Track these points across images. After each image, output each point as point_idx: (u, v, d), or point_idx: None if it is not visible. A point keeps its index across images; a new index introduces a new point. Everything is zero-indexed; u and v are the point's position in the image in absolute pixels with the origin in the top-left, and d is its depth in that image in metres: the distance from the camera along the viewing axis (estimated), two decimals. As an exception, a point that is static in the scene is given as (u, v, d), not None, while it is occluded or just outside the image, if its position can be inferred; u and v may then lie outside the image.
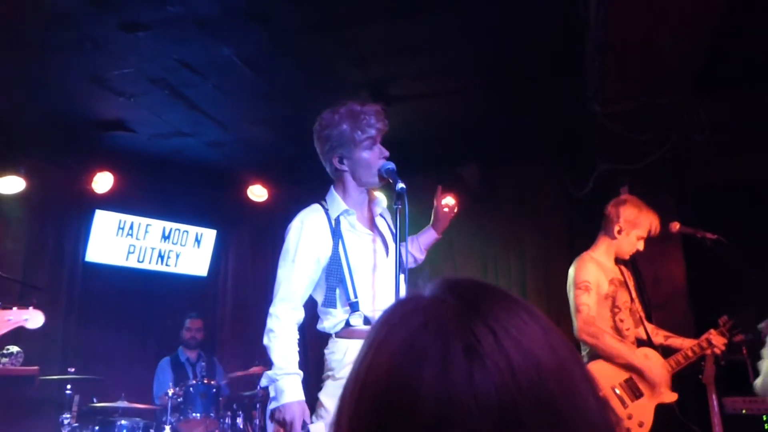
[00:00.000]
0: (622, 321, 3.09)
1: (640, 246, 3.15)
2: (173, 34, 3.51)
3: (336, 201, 2.38)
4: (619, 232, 3.13)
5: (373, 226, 2.44)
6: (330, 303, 2.30)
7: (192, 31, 3.45)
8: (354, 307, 2.27)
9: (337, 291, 2.29)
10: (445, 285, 0.60)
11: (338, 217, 2.35)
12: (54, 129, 4.78)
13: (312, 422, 2.20)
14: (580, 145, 4.66)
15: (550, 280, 5.04)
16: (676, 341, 3.17)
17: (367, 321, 2.28)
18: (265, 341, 2.25)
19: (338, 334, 2.30)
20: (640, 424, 2.90)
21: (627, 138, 3.73)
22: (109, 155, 5.17)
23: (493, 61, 3.83)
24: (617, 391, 2.92)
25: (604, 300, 3.07)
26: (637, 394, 2.94)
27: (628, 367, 2.95)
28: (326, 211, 2.37)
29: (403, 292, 2.19)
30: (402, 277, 2.20)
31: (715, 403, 3.20)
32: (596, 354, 2.98)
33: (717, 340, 3.07)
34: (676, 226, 3.15)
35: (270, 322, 2.26)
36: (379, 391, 0.54)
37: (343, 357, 2.27)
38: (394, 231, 2.38)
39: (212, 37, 3.54)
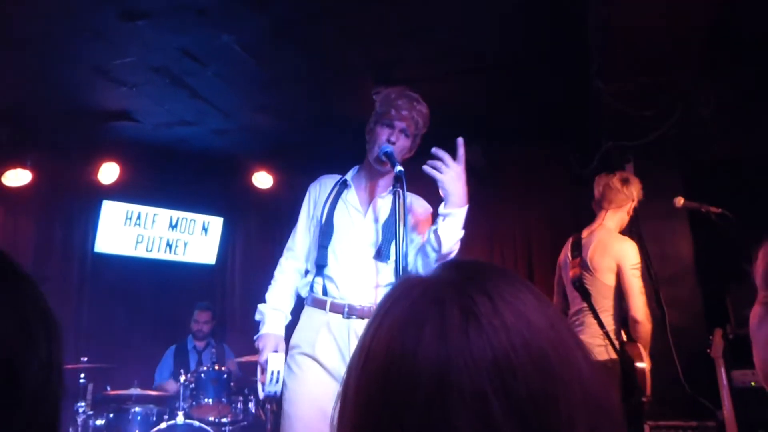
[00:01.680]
0: None
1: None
2: (173, 23, 3.50)
3: (349, 172, 2.50)
4: (634, 209, 3.15)
5: (370, 205, 2.44)
6: (315, 260, 2.40)
7: (192, 19, 3.44)
8: (319, 271, 2.36)
9: (312, 251, 2.41)
10: (447, 264, 0.63)
11: (338, 184, 2.47)
12: (58, 120, 4.79)
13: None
14: (585, 124, 4.63)
15: (556, 260, 5.04)
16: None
17: (325, 291, 2.33)
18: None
19: (305, 302, 2.42)
20: None
21: (631, 115, 3.71)
22: (114, 146, 5.18)
23: (496, 41, 3.81)
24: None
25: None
26: None
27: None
28: (341, 178, 2.50)
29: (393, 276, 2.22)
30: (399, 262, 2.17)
31: (724, 376, 3.21)
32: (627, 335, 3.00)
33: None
34: (680, 201, 3.15)
35: (275, 272, 2.46)
36: (381, 358, 0.56)
37: (301, 325, 2.36)
38: (399, 220, 2.31)
39: (213, 24, 3.53)
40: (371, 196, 2.45)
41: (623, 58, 3.47)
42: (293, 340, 2.36)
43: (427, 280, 0.61)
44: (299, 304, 2.47)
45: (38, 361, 0.63)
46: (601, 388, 0.56)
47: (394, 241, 2.23)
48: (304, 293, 2.44)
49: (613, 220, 3.21)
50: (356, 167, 2.52)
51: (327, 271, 2.35)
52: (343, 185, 2.46)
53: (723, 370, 3.20)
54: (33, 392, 0.61)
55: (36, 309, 0.66)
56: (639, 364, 2.92)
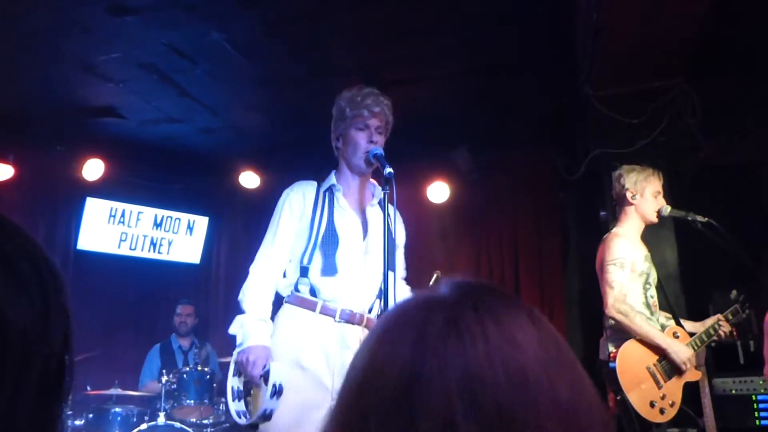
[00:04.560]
0: (652, 297, 3.11)
1: (661, 201, 3.15)
2: (162, 19, 3.46)
3: (329, 178, 2.46)
4: (633, 196, 3.14)
5: (361, 211, 2.43)
6: (322, 271, 2.34)
7: (181, 15, 3.41)
8: (303, 272, 2.32)
9: (298, 253, 2.36)
10: (452, 282, 0.63)
11: (325, 190, 2.42)
12: (43, 116, 4.73)
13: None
14: (573, 130, 4.66)
15: (543, 266, 5.06)
16: (686, 324, 3.19)
17: (313, 292, 2.29)
18: (240, 297, 2.33)
19: (287, 300, 2.36)
20: (672, 404, 2.92)
21: (619, 122, 3.73)
22: (99, 142, 5.12)
23: (485, 45, 3.81)
24: (651, 371, 2.93)
25: (638, 277, 3.07)
26: (669, 374, 2.95)
27: (656, 347, 2.95)
28: (318, 185, 2.45)
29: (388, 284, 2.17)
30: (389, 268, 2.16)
31: (706, 383, 3.23)
32: (621, 332, 2.98)
33: (726, 327, 3.09)
34: (667, 209, 3.16)
35: (246, 281, 2.35)
36: (364, 355, 0.58)
37: (280, 322, 2.31)
38: (391, 230, 2.33)
39: (202, 21, 3.50)
40: (361, 202, 2.45)
41: (612, 66, 3.50)
42: (274, 341, 2.29)
43: (428, 294, 0.61)
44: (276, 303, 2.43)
45: (29, 309, 0.59)
46: (584, 418, 0.54)
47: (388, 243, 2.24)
48: (286, 292, 2.39)
49: (626, 217, 3.18)
50: (333, 171, 2.49)
51: (312, 274, 2.32)
52: (330, 191, 2.43)
53: (705, 377, 3.22)
54: (21, 342, 0.57)
55: (21, 248, 0.62)
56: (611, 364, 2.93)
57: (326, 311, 2.27)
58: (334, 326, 2.27)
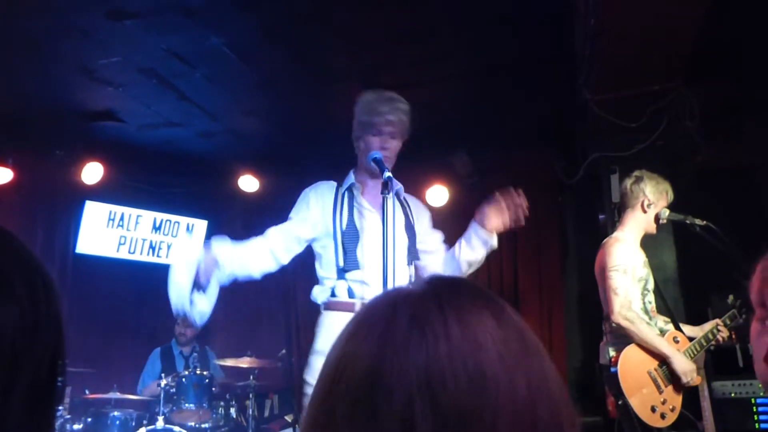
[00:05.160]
0: (650, 302, 3.11)
1: (665, 214, 3.15)
2: (161, 23, 3.47)
3: (349, 177, 2.51)
4: (649, 205, 3.12)
5: (381, 208, 2.46)
6: (322, 265, 2.41)
7: (180, 19, 3.42)
8: (340, 274, 2.34)
9: (330, 256, 2.38)
10: (426, 278, 0.64)
11: (345, 190, 2.47)
12: (42, 119, 4.73)
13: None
14: (571, 133, 4.66)
15: (542, 269, 5.07)
16: (684, 328, 3.19)
17: (351, 293, 2.32)
18: None
19: (325, 306, 2.38)
20: (672, 409, 2.92)
21: (618, 125, 3.73)
22: (98, 146, 5.12)
23: (484, 48, 3.82)
24: (653, 376, 2.93)
25: (637, 282, 3.07)
26: (670, 379, 2.95)
27: (658, 353, 2.96)
28: (338, 185, 2.50)
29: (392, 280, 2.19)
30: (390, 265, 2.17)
31: (705, 387, 3.23)
32: (621, 337, 2.98)
33: (724, 332, 3.10)
34: (666, 212, 3.16)
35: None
36: (334, 353, 0.59)
37: (323, 329, 2.34)
38: (411, 223, 2.46)
39: (201, 26, 3.50)
40: (378, 199, 2.48)
41: (610, 69, 3.50)
42: (319, 345, 2.33)
43: (401, 291, 0.62)
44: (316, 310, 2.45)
45: (19, 318, 0.59)
46: (545, 422, 0.54)
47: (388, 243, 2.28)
48: (322, 298, 2.40)
49: (630, 223, 3.18)
50: (352, 170, 2.54)
51: (353, 275, 2.34)
52: (350, 190, 2.48)
53: (704, 381, 3.22)
54: (10, 351, 0.57)
55: (12, 258, 0.63)
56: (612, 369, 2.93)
57: None
58: None
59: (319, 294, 2.42)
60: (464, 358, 0.54)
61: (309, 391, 2.30)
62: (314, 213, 2.43)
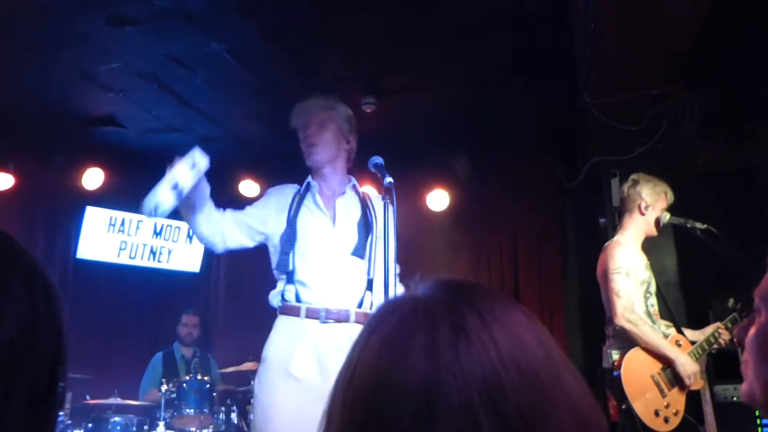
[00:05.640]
0: (653, 306, 3.10)
1: (665, 217, 3.16)
2: (162, 29, 3.48)
3: (307, 178, 2.58)
4: (646, 207, 3.13)
5: (333, 208, 2.47)
6: (273, 267, 2.42)
7: (181, 25, 3.43)
8: (289, 278, 2.34)
9: (281, 258, 2.38)
10: (438, 282, 0.63)
11: (302, 191, 2.50)
12: (43, 125, 4.74)
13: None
14: (571, 137, 4.67)
15: (542, 273, 5.06)
16: (686, 332, 3.18)
17: (298, 298, 2.30)
18: None
19: (279, 310, 2.38)
20: (676, 413, 2.91)
21: (618, 129, 3.73)
22: (99, 151, 5.13)
23: (484, 53, 3.82)
24: (656, 379, 2.92)
25: (639, 285, 3.06)
26: (673, 382, 2.94)
27: (662, 356, 2.95)
28: (299, 188, 2.55)
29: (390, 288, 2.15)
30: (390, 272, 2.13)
31: (707, 391, 3.22)
32: (624, 340, 2.97)
33: (725, 335, 3.09)
34: (666, 216, 3.16)
35: None
36: (370, 372, 0.56)
37: (274, 334, 2.33)
38: (370, 220, 2.44)
39: (201, 31, 3.51)
40: (332, 198, 2.48)
41: (610, 73, 3.50)
42: (266, 352, 2.31)
43: (418, 297, 0.61)
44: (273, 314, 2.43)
45: (17, 322, 0.59)
46: (588, 406, 0.55)
47: (369, 239, 2.35)
48: (275, 302, 2.40)
49: (630, 226, 3.17)
50: (309, 175, 2.56)
51: (297, 276, 2.33)
52: (306, 189, 2.50)
53: (706, 384, 3.21)
54: (9, 354, 0.57)
55: (12, 261, 0.63)
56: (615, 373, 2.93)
57: (311, 314, 2.26)
58: (321, 327, 2.25)
59: (273, 297, 2.42)
60: (516, 362, 0.53)
61: (253, 401, 2.35)
62: (269, 209, 2.47)
